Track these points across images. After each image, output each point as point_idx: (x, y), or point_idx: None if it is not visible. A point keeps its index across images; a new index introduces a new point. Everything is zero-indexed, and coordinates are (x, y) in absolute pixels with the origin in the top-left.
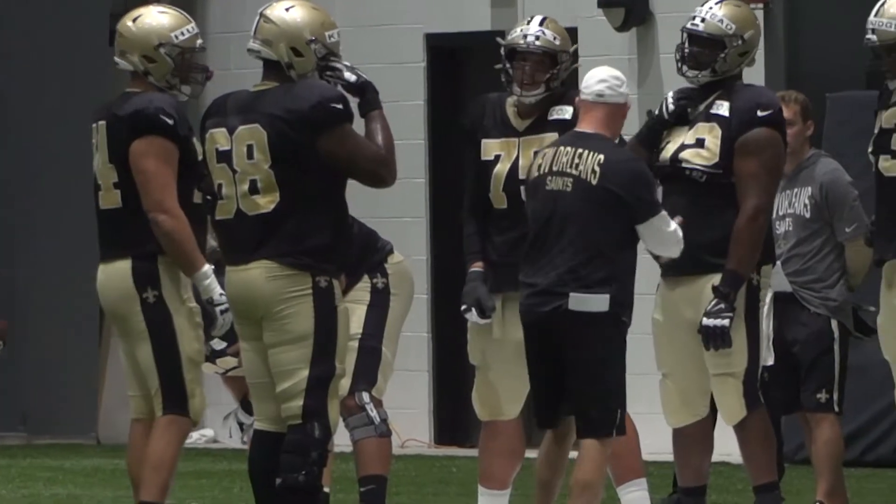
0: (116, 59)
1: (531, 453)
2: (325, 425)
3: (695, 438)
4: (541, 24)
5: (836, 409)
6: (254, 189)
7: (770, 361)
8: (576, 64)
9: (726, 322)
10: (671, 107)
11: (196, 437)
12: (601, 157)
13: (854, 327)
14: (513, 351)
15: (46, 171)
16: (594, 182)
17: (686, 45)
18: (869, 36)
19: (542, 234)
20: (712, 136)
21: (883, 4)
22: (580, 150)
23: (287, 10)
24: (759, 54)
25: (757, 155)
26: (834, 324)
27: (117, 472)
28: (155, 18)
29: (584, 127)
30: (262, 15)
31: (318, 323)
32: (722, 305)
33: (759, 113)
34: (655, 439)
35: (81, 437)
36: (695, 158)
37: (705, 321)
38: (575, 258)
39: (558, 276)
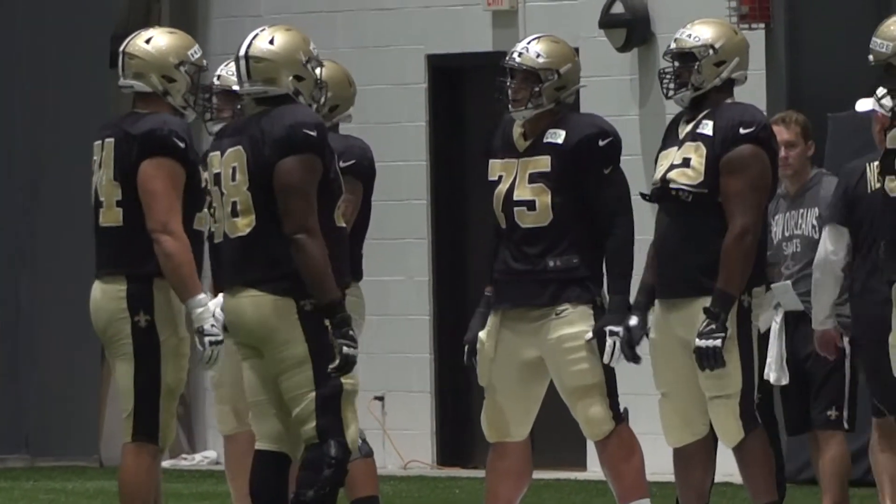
0: (129, 81)
1: (538, 475)
2: (342, 442)
3: (695, 458)
4: (531, 41)
5: (847, 426)
6: (234, 211)
7: (784, 381)
8: (578, 85)
9: (718, 342)
10: None
11: (199, 459)
12: None
13: None
14: (514, 372)
15: (49, 192)
16: None
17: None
18: (869, 55)
19: None
20: (697, 156)
21: (882, 24)
22: None
23: (270, 41)
24: (761, 75)
25: (741, 173)
26: (845, 340)
27: None
28: (169, 38)
29: None
30: (247, 57)
31: (311, 345)
32: (713, 326)
33: (742, 130)
34: (657, 459)
35: (84, 459)
36: (681, 178)
37: (698, 342)
38: None
39: None
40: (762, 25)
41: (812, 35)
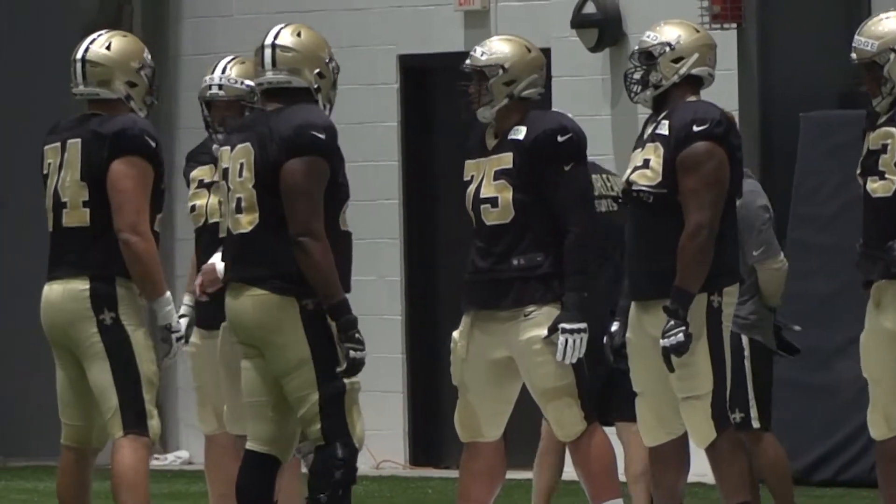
0: (93, 89)
1: (511, 475)
2: (348, 443)
3: (670, 457)
4: (483, 43)
5: (757, 425)
6: (238, 208)
7: None
8: (531, 77)
9: (680, 337)
10: None
11: (171, 459)
12: None
13: (777, 346)
14: (486, 372)
15: (10, 191)
16: None
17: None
18: (852, 54)
19: None
20: (656, 156)
21: (866, 23)
22: None
23: (298, 34)
24: (733, 75)
25: (695, 170)
26: (745, 340)
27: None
28: (126, 42)
29: None
30: (274, 46)
31: (313, 346)
32: (672, 322)
33: (695, 128)
34: None
35: (56, 459)
36: (641, 179)
37: (662, 342)
38: None
39: None
40: (734, 25)
41: (784, 35)
